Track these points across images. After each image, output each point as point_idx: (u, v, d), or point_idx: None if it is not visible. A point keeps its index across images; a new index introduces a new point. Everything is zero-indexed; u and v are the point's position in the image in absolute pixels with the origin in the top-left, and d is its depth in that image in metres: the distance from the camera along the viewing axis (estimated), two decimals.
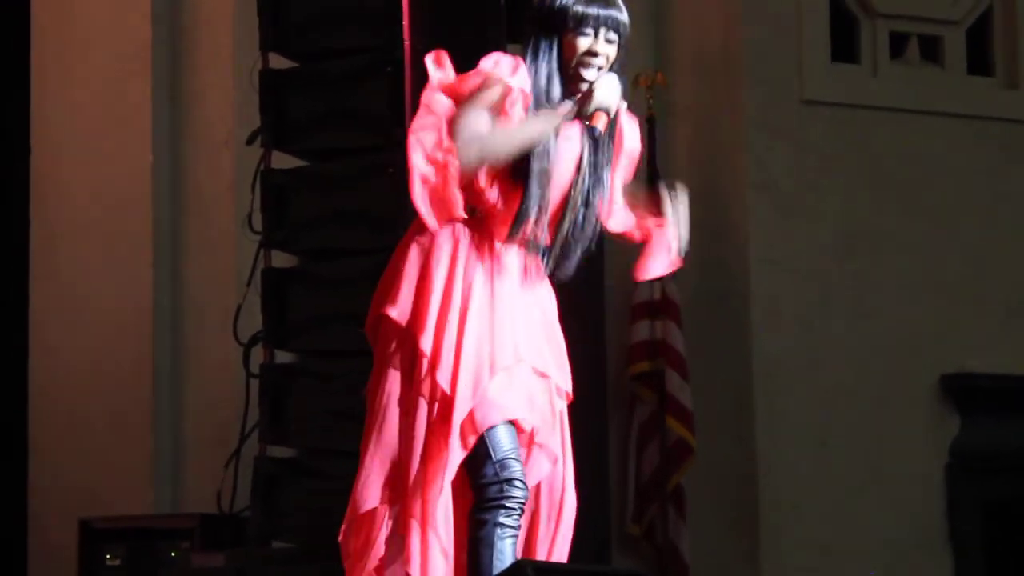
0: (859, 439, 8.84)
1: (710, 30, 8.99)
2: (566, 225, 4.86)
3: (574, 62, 4.79)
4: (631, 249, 8.46)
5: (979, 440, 9.03)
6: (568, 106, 4.75)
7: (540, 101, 4.76)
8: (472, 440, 4.61)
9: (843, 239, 8.99)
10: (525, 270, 4.82)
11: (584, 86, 4.77)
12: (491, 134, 4.65)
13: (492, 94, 4.68)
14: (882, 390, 8.93)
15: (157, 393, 8.09)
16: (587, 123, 4.73)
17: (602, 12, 4.80)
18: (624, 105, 4.89)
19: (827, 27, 9.11)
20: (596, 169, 4.88)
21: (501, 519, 4.62)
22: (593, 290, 8.82)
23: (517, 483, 4.64)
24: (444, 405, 4.61)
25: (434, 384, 4.60)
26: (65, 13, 8.50)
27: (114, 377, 8.14)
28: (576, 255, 4.92)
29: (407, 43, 6.54)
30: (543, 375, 4.80)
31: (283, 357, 6.80)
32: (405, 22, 6.57)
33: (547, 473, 4.81)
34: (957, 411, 9.05)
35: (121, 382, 8.12)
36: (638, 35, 8.81)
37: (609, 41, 4.81)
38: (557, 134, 4.73)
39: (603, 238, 9.16)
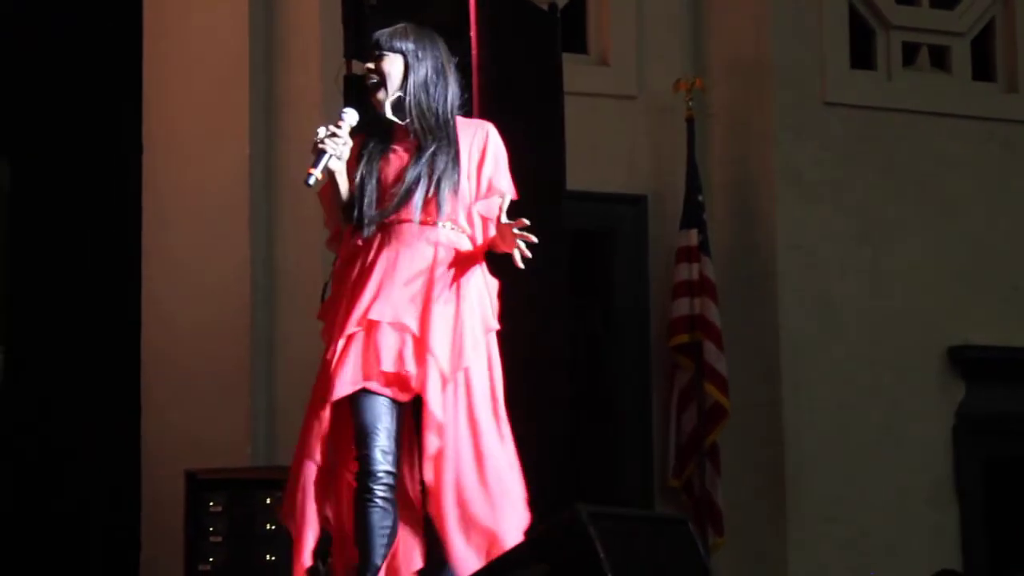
0: (874, 404, 8.79)
1: (743, 40, 8.96)
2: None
3: None
4: (671, 237, 8.56)
5: (982, 405, 8.99)
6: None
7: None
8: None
9: (860, 226, 8.94)
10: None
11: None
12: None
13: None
14: (895, 360, 8.87)
15: (254, 359, 7.97)
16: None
17: (376, 35, 4.88)
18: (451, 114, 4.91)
19: (847, 38, 9.08)
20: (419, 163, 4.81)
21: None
22: (636, 270, 8.75)
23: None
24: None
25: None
26: (174, 29, 8.36)
27: (217, 345, 8.00)
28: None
29: (475, 51, 6.29)
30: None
31: None
32: (473, 32, 6.32)
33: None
34: (963, 379, 9.01)
35: (223, 349, 7.98)
36: (680, 44, 8.94)
37: (380, 57, 4.84)
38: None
39: (646, 231, 8.95)
